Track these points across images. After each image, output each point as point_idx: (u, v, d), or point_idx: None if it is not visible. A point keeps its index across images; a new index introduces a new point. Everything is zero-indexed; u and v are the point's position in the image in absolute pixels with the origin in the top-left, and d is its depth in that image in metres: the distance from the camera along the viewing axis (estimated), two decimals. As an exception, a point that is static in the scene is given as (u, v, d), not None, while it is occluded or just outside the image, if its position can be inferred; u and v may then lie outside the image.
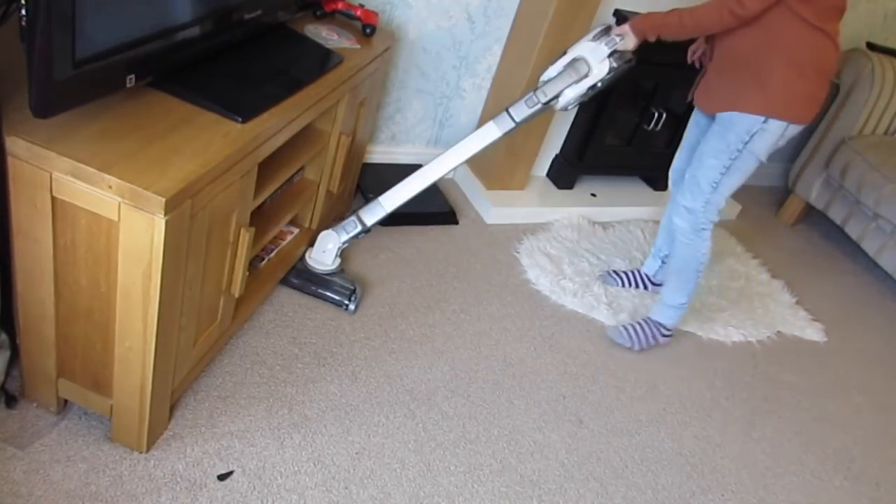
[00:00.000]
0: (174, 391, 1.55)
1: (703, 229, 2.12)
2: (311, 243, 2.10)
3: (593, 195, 3.05)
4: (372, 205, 2.05)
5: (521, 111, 1.98)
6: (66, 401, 1.54)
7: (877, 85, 3.17)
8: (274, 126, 1.49)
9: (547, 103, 1.97)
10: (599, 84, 1.95)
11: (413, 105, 2.66)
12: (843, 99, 3.29)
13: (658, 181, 3.23)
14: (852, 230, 3.21)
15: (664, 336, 2.32)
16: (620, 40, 1.92)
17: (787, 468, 2.10)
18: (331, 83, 1.75)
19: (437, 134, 2.81)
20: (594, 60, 1.92)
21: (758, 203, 3.63)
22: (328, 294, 2.06)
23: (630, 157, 3.14)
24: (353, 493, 1.60)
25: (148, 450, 1.52)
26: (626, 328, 2.31)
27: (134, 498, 1.43)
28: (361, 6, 2.08)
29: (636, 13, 2.65)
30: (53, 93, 1.13)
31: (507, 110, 2.00)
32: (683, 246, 2.16)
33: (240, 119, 1.42)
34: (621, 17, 2.63)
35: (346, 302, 2.06)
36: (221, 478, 1.53)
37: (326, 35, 1.95)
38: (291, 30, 1.88)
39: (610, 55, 1.91)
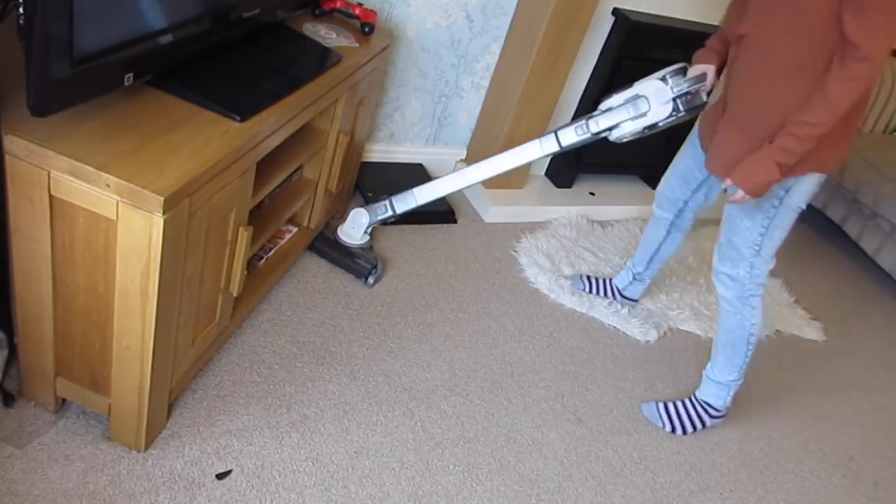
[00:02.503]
0: (172, 390, 1.55)
1: (752, 296, 1.89)
2: (343, 217, 2.21)
3: (592, 194, 3.05)
4: (405, 193, 2.09)
5: (568, 137, 1.89)
6: (64, 399, 1.53)
7: (876, 84, 3.17)
8: (272, 125, 1.49)
9: (597, 134, 1.87)
10: (660, 124, 1.83)
11: (411, 104, 2.66)
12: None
13: (656, 180, 3.22)
14: (851, 229, 3.21)
15: (714, 418, 2.07)
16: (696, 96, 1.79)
17: (785, 467, 2.10)
18: (329, 82, 1.75)
19: (436, 133, 2.80)
20: (656, 102, 1.81)
21: (756, 202, 3.63)
22: (350, 264, 2.19)
23: (629, 156, 3.13)
24: (351, 492, 1.60)
25: (146, 449, 1.52)
26: (665, 409, 2.08)
27: (132, 497, 1.43)
28: (360, 5, 2.07)
29: (635, 12, 2.65)
30: (51, 91, 1.13)
31: (555, 133, 1.91)
32: (729, 315, 1.93)
33: (238, 118, 1.41)
34: (620, 15, 2.63)
35: (366, 275, 2.17)
36: (220, 477, 1.53)
37: (325, 33, 1.95)
38: (290, 28, 1.87)
39: (676, 98, 1.80)
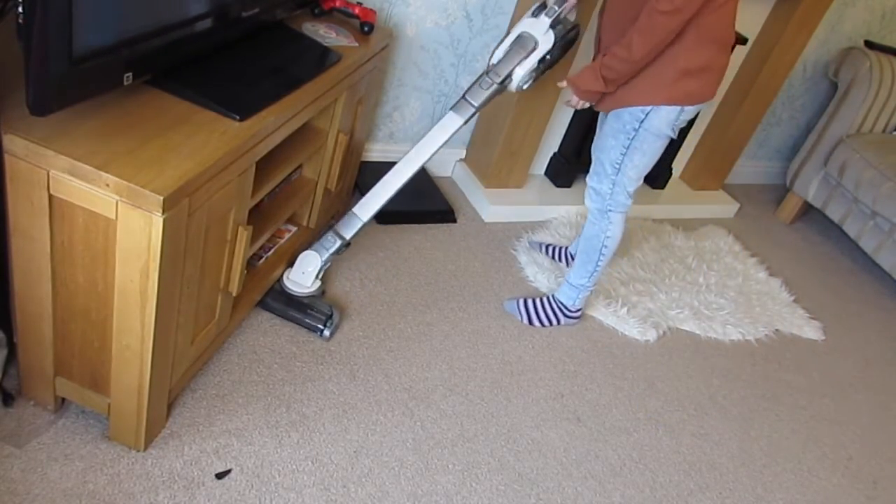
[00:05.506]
0: (172, 389, 1.55)
1: (610, 211, 2.09)
2: (291, 263, 2.02)
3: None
4: (347, 217, 1.98)
5: (478, 95, 1.95)
6: (63, 399, 1.53)
7: (875, 83, 3.17)
8: (272, 124, 1.49)
9: (502, 83, 1.94)
10: (548, 56, 1.94)
11: (411, 103, 2.66)
12: (842, 97, 3.29)
13: (656, 179, 3.23)
14: (850, 228, 3.21)
15: (568, 318, 2.30)
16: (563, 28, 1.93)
17: (784, 466, 2.10)
18: (329, 81, 1.75)
19: (436, 132, 2.80)
20: (538, 33, 1.91)
21: (756, 201, 3.63)
22: (303, 319, 1.95)
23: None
24: (351, 492, 1.60)
25: (146, 448, 1.52)
26: (524, 304, 2.29)
27: (131, 497, 1.43)
28: (359, 4, 2.07)
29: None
30: (51, 91, 1.13)
31: (464, 97, 1.97)
32: (590, 225, 2.14)
33: (237, 117, 1.41)
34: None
35: (321, 327, 1.94)
36: (219, 476, 1.53)
37: (324, 33, 1.95)
38: (289, 28, 1.87)
39: (552, 26, 1.90)
